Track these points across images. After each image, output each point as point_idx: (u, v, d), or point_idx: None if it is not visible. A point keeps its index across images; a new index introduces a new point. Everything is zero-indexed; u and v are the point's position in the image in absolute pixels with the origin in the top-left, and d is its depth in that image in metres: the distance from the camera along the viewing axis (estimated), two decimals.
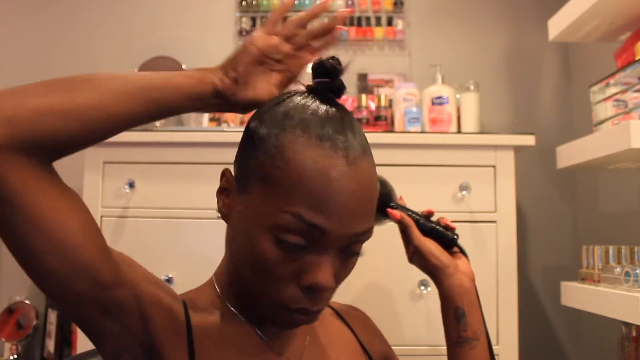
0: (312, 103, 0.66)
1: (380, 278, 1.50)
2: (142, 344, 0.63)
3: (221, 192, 0.69)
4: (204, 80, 0.65)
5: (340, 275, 0.65)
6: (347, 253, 0.64)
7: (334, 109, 0.66)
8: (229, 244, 0.69)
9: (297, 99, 0.67)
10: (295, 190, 0.59)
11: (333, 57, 0.69)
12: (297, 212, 0.59)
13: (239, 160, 0.68)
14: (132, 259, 0.67)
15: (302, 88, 0.71)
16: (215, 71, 0.67)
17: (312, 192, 0.59)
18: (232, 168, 0.70)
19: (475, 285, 0.86)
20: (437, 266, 0.85)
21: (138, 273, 0.65)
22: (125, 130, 0.61)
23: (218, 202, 0.69)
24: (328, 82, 0.68)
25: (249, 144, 0.66)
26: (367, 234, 0.64)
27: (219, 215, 0.68)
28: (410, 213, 0.89)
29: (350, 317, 0.83)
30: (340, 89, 0.68)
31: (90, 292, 0.58)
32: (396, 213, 0.87)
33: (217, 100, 0.66)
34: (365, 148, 0.65)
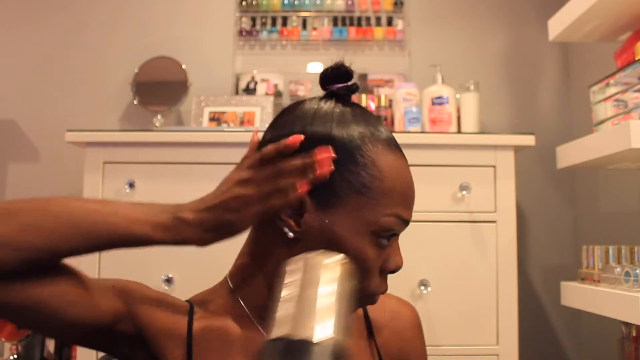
0: (350, 109, 0.71)
1: None
2: (148, 355, 0.70)
3: (291, 215, 0.67)
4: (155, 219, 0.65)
5: None
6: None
7: (363, 109, 0.73)
8: (286, 254, 0.64)
9: (329, 105, 0.70)
10: (394, 193, 0.68)
11: (343, 64, 0.72)
12: (398, 213, 0.68)
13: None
14: (128, 283, 0.71)
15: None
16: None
17: (404, 192, 0.69)
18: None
19: None
20: None
21: (134, 298, 0.70)
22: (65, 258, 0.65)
23: (287, 223, 0.67)
24: (349, 85, 0.72)
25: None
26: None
27: (291, 235, 0.67)
28: None
29: (379, 320, 0.80)
30: (356, 89, 0.74)
31: (93, 333, 0.67)
32: None
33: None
34: None
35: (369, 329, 0.80)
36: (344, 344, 0.46)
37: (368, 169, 0.67)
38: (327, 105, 0.71)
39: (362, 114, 0.71)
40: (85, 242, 0.63)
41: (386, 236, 0.68)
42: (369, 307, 0.81)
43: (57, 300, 0.63)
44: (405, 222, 0.70)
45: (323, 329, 0.45)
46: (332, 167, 0.65)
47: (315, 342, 0.44)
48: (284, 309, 0.48)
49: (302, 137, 0.65)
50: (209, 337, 0.70)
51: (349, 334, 0.50)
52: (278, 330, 0.46)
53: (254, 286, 0.72)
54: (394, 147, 0.70)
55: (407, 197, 0.70)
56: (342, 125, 0.68)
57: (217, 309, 0.73)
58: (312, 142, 0.66)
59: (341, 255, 0.57)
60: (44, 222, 0.62)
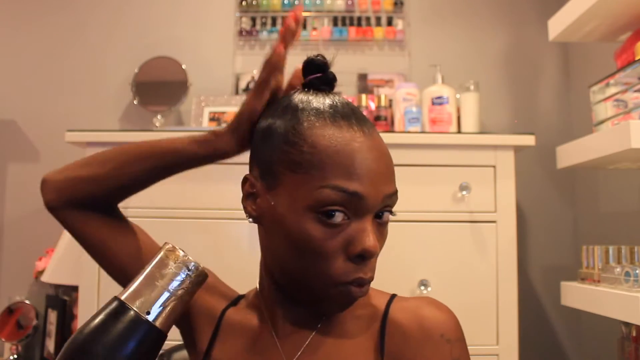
0: (314, 96, 0.71)
1: (380, 278, 1.50)
2: (188, 327, 0.80)
3: (247, 198, 0.72)
4: (211, 144, 0.78)
5: (380, 245, 0.68)
6: (380, 221, 0.68)
7: (336, 97, 0.71)
8: (267, 244, 0.72)
9: (299, 96, 0.72)
10: (326, 165, 0.64)
11: (319, 55, 0.74)
12: (333, 184, 0.63)
13: (259, 160, 0.71)
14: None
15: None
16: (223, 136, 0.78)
17: (342, 163, 0.64)
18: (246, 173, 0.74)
19: None
20: None
21: None
22: (144, 188, 0.85)
23: (245, 208, 0.72)
24: (321, 76, 0.73)
25: (266, 141, 0.70)
26: (394, 196, 0.68)
27: (250, 220, 0.72)
28: None
29: (395, 326, 0.72)
30: (333, 81, 0.73)
31: None
32: None
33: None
34: (375, 127, 0.71)
35: (383, 329, 0.72)
36: (145, 319, 0.60)
37: (298, 145, 0.66)
38: (299, 96, 0.72)
39: (331, 101, 0.70)
40: (145, 164, 0.81)
41: (327, 212, 0.63)
42: (396, 309, 0.74)
43: (122, 255, 0.81)
44: (354, 194, 0.63)
45: (142, 303, 0.60)
46: (297, 19, 0.76)
47: (132, 309, 0.60)
48: (138, 279, 0.63)
49: (301, 12, 0.77)
50: (233, 326, 0.76)
51: (168, 315, 0.61)
52: (123, 292, 0.61)
53: (262, 280, 0.77)
54: (341, 120, 0.66)
55: (353, 169, 0.63)
56: (286, 110, 0.70)
57: (249, 303, 0.78)
58: (260, 133, 0.73)
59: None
60: (114, 156, 0.82)
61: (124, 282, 0.78)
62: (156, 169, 0.81)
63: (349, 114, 0.68)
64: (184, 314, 0.77)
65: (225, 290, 0.82)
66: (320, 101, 0.70)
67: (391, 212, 0.69)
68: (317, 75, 0.73)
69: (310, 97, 0.71)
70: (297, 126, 0.67)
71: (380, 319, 0.74)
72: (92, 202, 0.80)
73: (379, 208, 0.66)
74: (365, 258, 0.65)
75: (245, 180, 0.72)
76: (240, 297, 0.82)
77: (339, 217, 0.64)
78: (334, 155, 0.64)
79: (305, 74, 0.75)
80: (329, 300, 0.68)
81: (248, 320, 0.77)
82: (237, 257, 1.47)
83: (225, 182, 1.47)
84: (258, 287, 0.78)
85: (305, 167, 0.65)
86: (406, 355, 0.71)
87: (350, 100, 1.95)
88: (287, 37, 0.76)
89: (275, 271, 0.72)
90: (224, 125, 0.78)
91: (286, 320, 0.74)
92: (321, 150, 0.64)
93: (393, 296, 0.77)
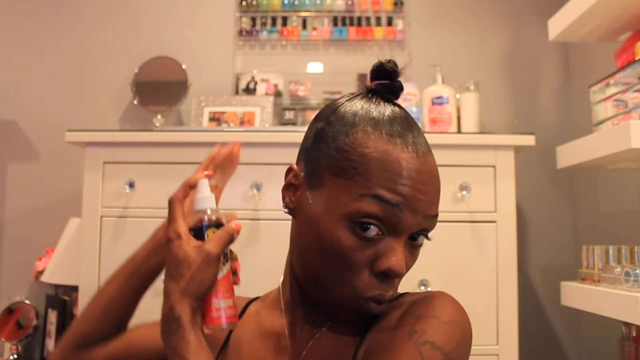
0: (376, 104, 0.69)
1: None
2: None
3: (287, 188, 0.72)
4: (156, 234, 0.85)
5: (408, 264, 0.68)
6: (413, 243, 0.67)
7: (397, 109, 0.70)
8: (296, 238, 0.71)
9: (360, 101, 0.70)
10: (372, 175, 0.63)
11: (390, 60, 0.71)
12: (375, 193, 0.63)
13: (308, 157, 0.70)
14: None
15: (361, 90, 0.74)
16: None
17: (388, 175, 0.63)
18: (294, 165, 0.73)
19: None
20: None
21: None
22: (132, 308, 0.86)
23: (284, 197, 0.72)
24: (388, 83, 0.71)
25: (318, 142, 0.69)
26: (434, 219, 0.68)
27: (285, 210, 0.72)
28: None
29: (379, 322, 0.71)
30: (399, 90, 0.71)
31: None
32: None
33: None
34: (429, 146, 0.70)
35: (365, 332, 0.70)
36: None
37: (348, 154, 0.65)
38: (361, 102, 0.70)
39: (392, 112, 0.68)
40: (124, 287, 0.85)
41: (362, 223, 0.63)
42: (394, 302, 0.71)
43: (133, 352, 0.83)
44: (395, 207, 0.62)
45: None
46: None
47: None
48: None
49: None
50: (249, 323, 0.76)
51: None
52: None
53: (285, 277, 0.77)
54: (397, 137, 0.65)
55: (398, 184, 0.63)
56: (352, 115, 0.68)
57: (270, 299, 0.79)
58: (314, 133, 0.71)
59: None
60: (103, 290, 0.87)
61: None
62: (136, 287, 0.85)
63: (406, 131, 0.67)
64: None
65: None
66: (381, 111, 0.68)
67: (427, 237, 0.69)
68: (384, 82, 0.71)
69: (372, 106, 0.69)
70: (351, 134, 0.66)
71: (362, 323, 0.71)
72: (92, 340, 0.84)
73: (416, 230, 0.66)
74: (389, 277, 0.65)
75: (289, 171, 0.72)
76: (251, 300, 0.82)
77: (373, 231, 0.63)
78: (382, 167, 0.63)
79: (373, 78, 0.73)
80: (345, 309, 0.68)
81: (264, 318, 0.77)
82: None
83: None
84: (282, 282, 0.78)
85: (350, 174, 0.64)
86: (379, 340, 0.67)
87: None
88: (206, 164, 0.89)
89: (299, 268, 0.72)
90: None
91: (300, 319, 0.74)
92: (370, 160, 0.64)
93: (403, 294, 0.75)
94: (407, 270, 0.68)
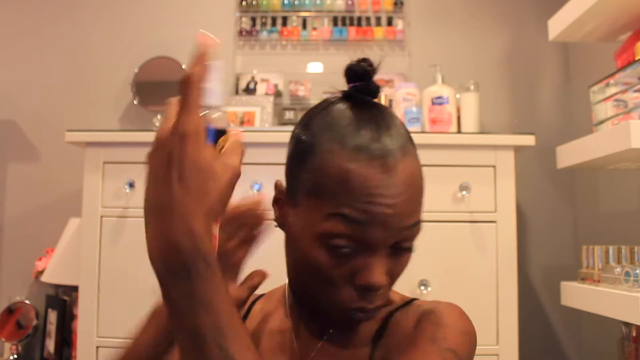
0: (348, 110, 0.67)
1: None
2: None
3: (275, 202, 0.72)
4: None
5: (394, 272, 0.67)
6: (398, 250, 0.66)
7: (370, 112, 0.67)
8: (286, 252, 0.72)
9: (335, 107, 0.69)
10: (338, 195, 0.62)
11: (365, 59, 0.69)
12: (342, 213, 0.61)
13: (287, 173, 0.71)
14: None
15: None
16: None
17: (354, 195, 0.61)
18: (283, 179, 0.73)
19: None
20: None
21: None
22: None
23: (274, 212, 0.72)
24: (362, 85, 0.69)
25: (293, 159, 0.70)
26: (414, 227, 0.65)
27: (275, 225, 0.71)
28: None
29: (392, 331, 0.72)
30: (375, 90, 0.69)
31: None
32: None
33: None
34: (406, 147, 0.66)
35: (378, 337, 0.72)
36: None
37: (315, 174, 0.64)
38: (335, 108, 0.68)
39: (361, 119, 0.66)
40: None
41: (336, 245, 0.62)
42: (404, 310, 0.74)
43: None
44: (362, 226, 0.61)
45: None
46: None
47: None
48: None
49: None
50: (254, 320, 0.76)
51: None
52: None
53: (290, 281, 0.76)
54: (362, 152, 0.62)
55: (364, 204, 0.61)
56: (322, 129, 0.66)
57: (273, 300, 0.79)
58: (293, 146, 0.70)
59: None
60: None
61: None
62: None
63: (374, 141, 0.63)
64: None
65: None
66: (351, 120, 0.65)
67: (410, 246, 0.66)
68: (358, 84, 0.68)
69: (345, 113, 0.67)
70: (317, 154, 0.65)
71: (380, 321, 0.72)
72: None
73: (392, 242, 0.64)
74: (369, 290, 0.64)
75: (276, 186, 0.72)
76: (258, 297, 0.81)
77: (346, 249, 0.63)
78: (347, 186, 0.62)
79: (347, 80, 0.70)
80: (334, 319, 0.70)
81: (269, 319, 0.77)
82: None
83: None
84: (287, 286, 0.78)
85: (319, 194, 0.63)
86: (400, 345, 0.69)
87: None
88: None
89: (291, 279, 0.75)
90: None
91: (305, 321, 0.75)
92: (335, 180, 0.62)
93: (411, 300, 0.76)
94: (396, 277, 0.68)
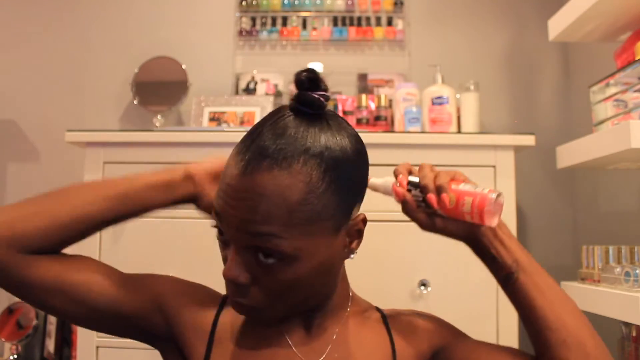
0: (271, 116, 0.70)
1: (380, 278, 1.50)
2: (175, 343, 0.78)
3: None
4: (172, 170, 0.81)
5: (261, 279, 0.67)
6: (261, 258, 0.66)
7: (287, 122, 0.68)
8: None
9: (278, 109, 0.72)
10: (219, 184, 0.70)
11: (310, 69, 0.69)
12: (214, 199, 0.70)
13: None
14: (160, 278, 0.80)
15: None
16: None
17: (220, 187, 0.69)
18: None
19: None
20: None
21: (165, 294, 0.78)
22: (101, 229, 0.77)
23: None
24: (300, 95, 0.69)
25: None
26: (264, 238, 0.65)
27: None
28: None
29: (396, 323, 0.80)
30: (314, 103, 0.68)
31: (122, 325, 0.77)
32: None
33: (187, 184, 0.81)
34: (288, 162, 0.65)
35: (388, 329, 0.79)
36: None
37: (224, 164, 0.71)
38: (277, 110, 0.72)
39: (263, 126, 0.69)
40: (107, 204, 0.75)
41: (218, 229, 0.70)
42: (388, 311, 0.83)
43: (85, 288, 0.73)
44: (215, 212, 0.69)
45: None
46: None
47: None
48: None
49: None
50: (230, 329, 0.76)
51: None
52: None
53: None
54: (238, 155, 0.68)
55: (219, 194, 0.68)
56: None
57: None
58: None
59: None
60: (69, 194, 0.75)
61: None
62: (119, 212, 0.77)
63: (254, 146, 0.66)
64: (169, 339, 0.78)
65: (204, 295, 0.81)
66: (258, 125, 0.70)
67: (278, 258, 0.66)
68: (298, 92, 0.69)
69: (268, 117, 0.71)
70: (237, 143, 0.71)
71: (382, 323, 0.79)
72: (39, 244, 0.72)
73: (243, 244, 0.67)
74: (228, 281, 0.69)
75: None
76: (225, 296, 0.81)
77: (221, 237, 0.70)
78: (222, 176, 0.69)
79: (296, 87, 0.71)
80: None
81: (246, 324, 0.77)
82: None
83: None
84: None
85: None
86: (412, 346, 0.77)
87: (350, 101, 1.96)
88: None
89: None
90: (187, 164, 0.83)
91: (298, 326, 0.76)
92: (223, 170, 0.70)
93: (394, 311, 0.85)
94: (266, 286, 0.68)
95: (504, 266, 0.77)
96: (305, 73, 0.68)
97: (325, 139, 0.67)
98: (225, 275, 0.67)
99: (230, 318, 0.78)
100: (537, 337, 0.73)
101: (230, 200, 0.66)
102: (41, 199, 0.74)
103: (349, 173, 0.69)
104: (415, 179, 0.73)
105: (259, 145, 0.66)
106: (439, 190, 0.71)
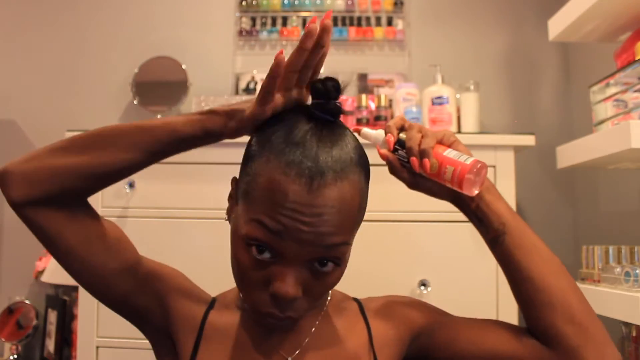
0: (300, 124, 0.68)
1: (380, 278, 1.50)
2: (167, 335, 0.79)
3: (229, 197, 0.77)
4: (203, 114, 0.73)
5: (313, 287, 0.68)
6: (319, 269, 0.68)
7: (321, 131, 0.68)
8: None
9: (293, 118, 0.70)
10: (261, 202, 0.66)
11: (331, 78, 0.70)
12: (259, 219, 0.65)
13: (240, 172, 0.74)
14: (166, 269, 0.81)
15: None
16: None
17: (273, 206, 0.64)
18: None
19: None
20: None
21: (167, 285, 0.79)
22: (129, 175, 0.73)
23: (228, 205, 0.77)
24: (323, 103, 0.69)
25: (243, 159, 0.73)
26: (333, 249, 0.67)
27: (226, 219, 0.76)
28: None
29: (372, 310, 0.82)
30: (335, 111, 0.69)
31: (117, 302, 0.78)
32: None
33: (214, 116, 0.73)
34: (345, 171, 0.66)
35: (365, 319, 0.81)
36: None
37: (250, 178, 0.68)
38: (290, 120, 0.69)
39: (306, 136, 0.66)
40: (135, 150, 0.70)
41: (257, 246, 0.66)
42: (365, 300, 0.84)
43: (115, 247, 0.75)
44: (276, 236, 0.64)
45: None
46: (323, 26, 0.68)
47: None
48: None
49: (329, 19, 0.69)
50: (217, 329, 0.78)
51: None
52: None
53: None
54: (295, 173, 0.64)
55: (276, 207, 0.64)
56: (267, 138, 0.68)
57: (229, 303, 0.81)
58: (246, 149, 0.73)
59: None
60: (96, 141, 0.71)
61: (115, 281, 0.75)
62: (147, 153, 0.71)
63: (310, 159, 0.65)
64: (161, 323, 0.79)
65: (200, 293, 0.83)
66: (296, 135, 0.66)
67: (334, 264, 0.68)
68: (319, 101, 0.69)
69: (295, 126, 0.68)
70: (256, 160, 0.68)
71: (360, 312, 0.82)
72: (69, 196, 0.70)
73: (309, 258, 0.66)
74: (279, 299, 0.67)
75: (232, 181, 0.77)
76: (214, 299, 0.83)
77: (265, 255, 0.66)
78: (270, 195, 0.65)
79: (312, 95, 0.71)
80: (254, 318, 0.76)
81: (233, 320, 0.79)
82: None
83: (225, 181, 1.47)
84: None
85: (250, 198, 0.67)
86: (391, 332, 0.79)
87: (350, 101, 1.96)
88: (305, 41, 0.69)
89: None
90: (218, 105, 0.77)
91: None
92: (262, 188, 0.66)
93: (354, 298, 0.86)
94: (316, 294, 0.69)
95: (491, 229, 0.79)
96: (330, 82, 0.69)
97: (352, 144, 0.70)
98: (282, 295, 0.66)
99: (217, 317, 0.79)
100: (523, 299, 0.73)
101: (301, 217, 0.64)
102: (67, 150, 0.70)
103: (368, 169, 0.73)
104: (404, 138, 0.74)
105: (314, 159, 0.65)
106: (422, 154, 0.72)
